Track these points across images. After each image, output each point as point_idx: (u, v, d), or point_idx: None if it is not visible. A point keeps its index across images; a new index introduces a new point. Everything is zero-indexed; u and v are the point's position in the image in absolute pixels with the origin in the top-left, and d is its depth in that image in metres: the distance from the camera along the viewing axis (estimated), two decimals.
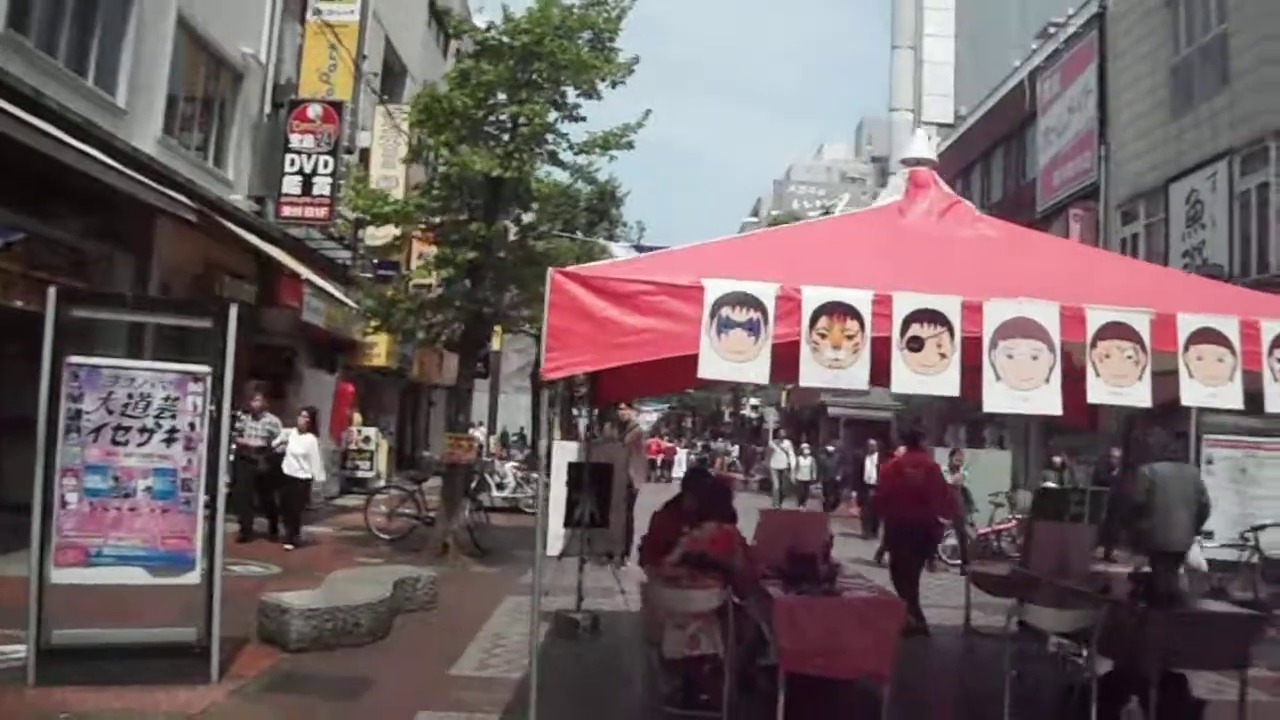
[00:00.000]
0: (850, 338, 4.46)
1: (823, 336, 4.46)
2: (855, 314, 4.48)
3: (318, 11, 18.85)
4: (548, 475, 9.31)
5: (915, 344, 4.47)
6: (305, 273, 17.69)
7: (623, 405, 13.88)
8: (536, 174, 13.40)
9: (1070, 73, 24.45)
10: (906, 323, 4.49)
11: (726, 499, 7.50)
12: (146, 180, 12.49)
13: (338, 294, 19.81)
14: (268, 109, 18.23)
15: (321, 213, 17.97)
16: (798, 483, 27.90)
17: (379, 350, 24.36)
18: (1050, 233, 17.64)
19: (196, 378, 6.68)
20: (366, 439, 22.93)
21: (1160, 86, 19.90)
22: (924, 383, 4.44)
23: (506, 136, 13.13)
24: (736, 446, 55.29)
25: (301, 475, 14.12)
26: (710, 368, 4.42)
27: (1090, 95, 23.09)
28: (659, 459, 39.61)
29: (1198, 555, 10.86)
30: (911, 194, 6.38)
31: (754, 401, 64.06)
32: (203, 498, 6.67)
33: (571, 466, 9.17)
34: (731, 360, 4.41)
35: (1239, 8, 17.36)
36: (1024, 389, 4.50)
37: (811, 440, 34.34)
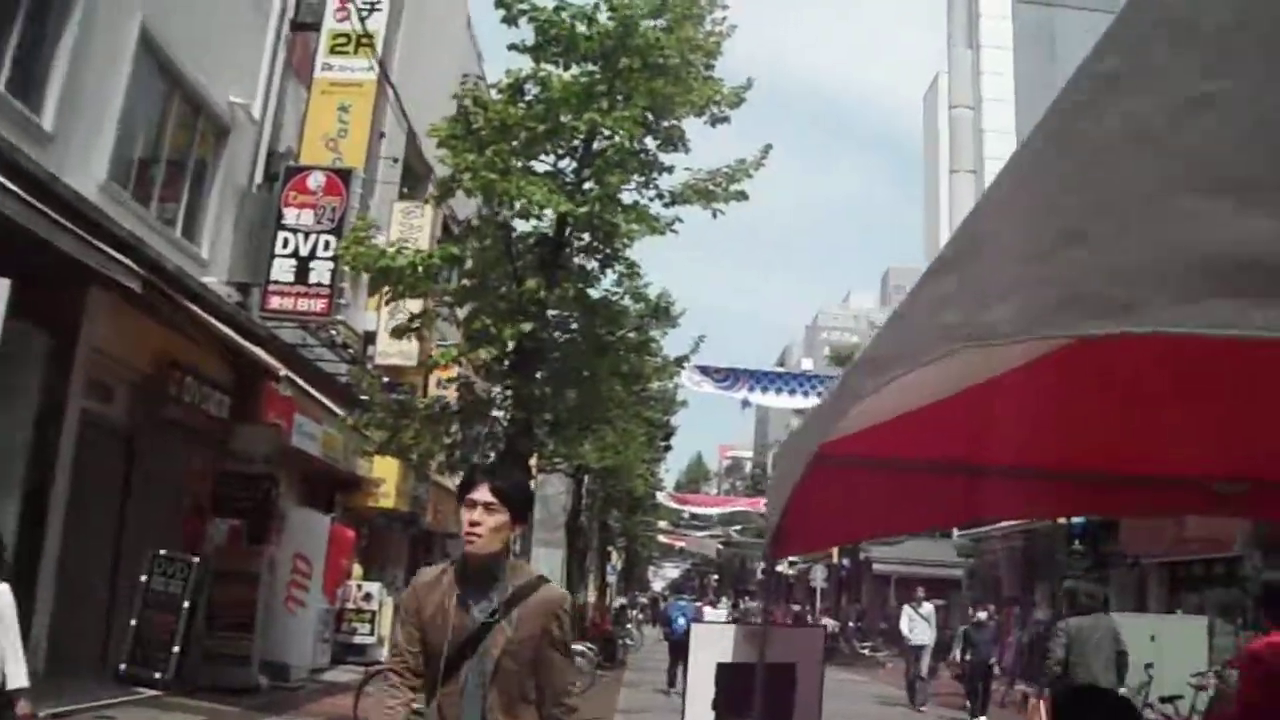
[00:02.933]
0: None
1: None
2: None
3: (327, 66, 15.44)
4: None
5: None
6: (298, 380, 13.77)
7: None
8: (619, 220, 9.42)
9: None
10: None
11: None
12: (77, 229, 8.73)
13: (340, 411, 15.86)
14: (259, 178, 14.63)
15: (319, 305, 14.11)
16: (952, 664, 20.07)
17: (387, 490, 20.22)
18: None
19: None
20: (367, 596, 18.69)
21: None
22: None
23: (574, 163, 9.30)
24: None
25: None
26: None
27: None
28: None
29: None
30: None
31: (792, 558, 58.83)
32: None
33: (722, 670, 4.46)
34: None
35: None
36: None
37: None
